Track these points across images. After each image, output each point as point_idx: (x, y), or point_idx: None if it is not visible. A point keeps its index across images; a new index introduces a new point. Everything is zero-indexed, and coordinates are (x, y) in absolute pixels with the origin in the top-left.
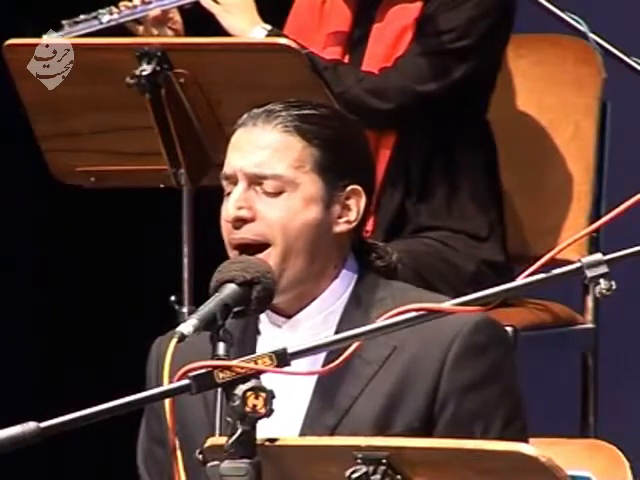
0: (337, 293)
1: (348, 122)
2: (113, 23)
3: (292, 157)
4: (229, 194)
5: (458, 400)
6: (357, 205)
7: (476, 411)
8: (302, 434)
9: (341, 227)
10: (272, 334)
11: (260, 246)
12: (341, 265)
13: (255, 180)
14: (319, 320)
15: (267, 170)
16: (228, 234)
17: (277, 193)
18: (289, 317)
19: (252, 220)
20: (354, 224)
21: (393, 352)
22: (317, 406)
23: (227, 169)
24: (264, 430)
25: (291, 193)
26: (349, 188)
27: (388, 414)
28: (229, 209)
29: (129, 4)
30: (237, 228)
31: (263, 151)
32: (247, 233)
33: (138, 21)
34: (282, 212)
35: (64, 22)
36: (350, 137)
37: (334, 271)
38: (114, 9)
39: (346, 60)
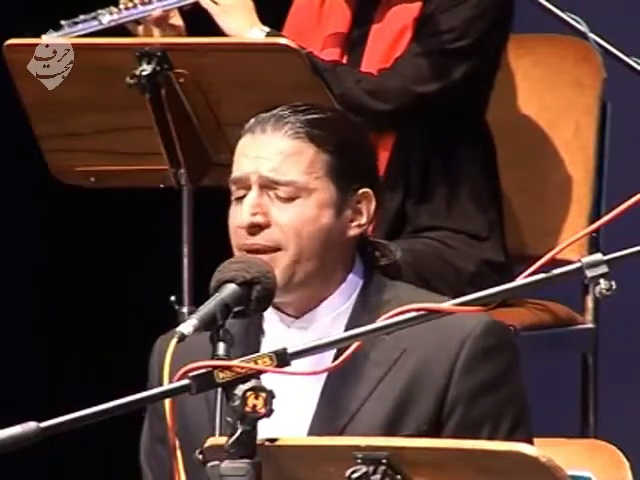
0: (345, 295)
1: (354, 125)
2: (113, 24)
3: (305, 163)
4: (238, 199)
5: (467, 404)
6: (367, 208)
7: (484, 415)
8: (310, 435)
9: (353, 231)
10: (280, 335)
11: (271, 250)
12: (349, 267)
13: (269, 185)
14: (328, 321)
15: (281, 176)
16: (240, 239)
17: (291, 199)
18: (297, 318)
19: (267, 226)
20: (365, 227)
21: (402, 355)
22: (325, 408)
23: (238, 173)
24: (271, 431)
25: (305, 199)
26: (360, 192)
27: (397, 416)
28: (243, 215)
29: (129, 4)
30: (252, 234)
31: (276, 157)
32: (261, 239)
33: (138, 21)
34: (296, 218)
35: (63, 22)
36: (358, 140)
37: (343, 274)
38: (114, 9)
39: (344, 61)
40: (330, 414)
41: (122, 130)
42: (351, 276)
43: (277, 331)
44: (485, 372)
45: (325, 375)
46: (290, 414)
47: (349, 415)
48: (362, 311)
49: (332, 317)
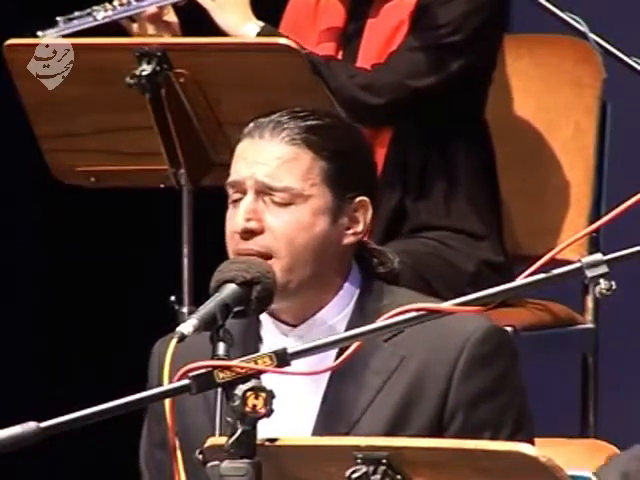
0: (343, 303)
1: (353, 131)
2: (107, 20)
3: (301, 169)
4: (235, 202)
5: (467, 411)
6: (364, 217)
7: (484, 421)
8: None
9: (349, 239)
10: (278, 343)
11: (264, 257)
12: (346, 275)
13: (264, 190)
14: (326, 329)
15: (277, 182)
16: (235, 244)
17: (286, 204)
18: (294, 327)
19: (260, 232)
20: (361, 235)
21: (401, 362)
22: (326, 418)
23: (235, 177)
24: (271, 433)
25: (300, 205)
26: (357, 200)
27: (397, 424)
28: (238, 220)
29: (123, 0)
30: (246, 239)
31: (272, 163)
32: (254, 245)
33: (132, 18)
34: (290, 225)
35: (59, 19)
36: (356, 148)
37: (340, 281)
38: (108, 6)
39: (339, 56)
40: (330, 423)
41: (122, 130)
42: (348, 284)
43: (275, 339)
44: (483, 380)
45: (325, 383)
46: (290, 415)
47: (350, 425)
48: (360, 318)
49: (330, 325)
